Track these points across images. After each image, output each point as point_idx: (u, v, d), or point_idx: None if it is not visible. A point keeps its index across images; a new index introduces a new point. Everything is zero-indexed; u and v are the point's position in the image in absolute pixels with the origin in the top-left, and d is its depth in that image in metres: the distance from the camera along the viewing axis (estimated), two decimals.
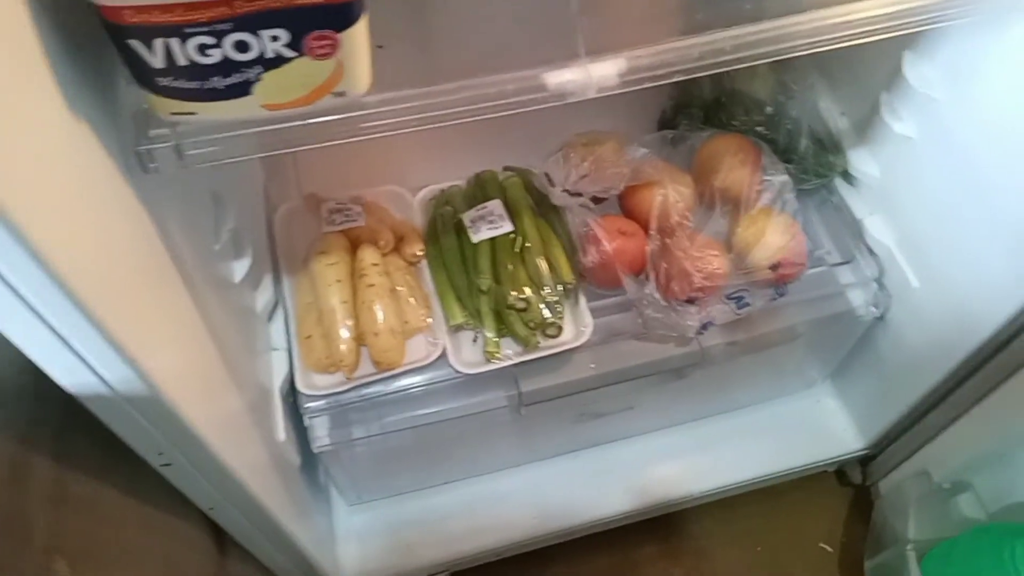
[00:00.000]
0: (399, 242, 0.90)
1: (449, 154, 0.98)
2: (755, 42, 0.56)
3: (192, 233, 0.64)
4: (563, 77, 0.55)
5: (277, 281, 0.89)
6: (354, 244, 0.88)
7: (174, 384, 0.51)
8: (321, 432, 0.86)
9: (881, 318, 0.96)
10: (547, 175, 0.90)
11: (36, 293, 0.40)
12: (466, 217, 0.90)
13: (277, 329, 0.87)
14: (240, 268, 0.77)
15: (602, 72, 0.56)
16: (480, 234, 0.88)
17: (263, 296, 0.85)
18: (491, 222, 0.89)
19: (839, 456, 1.12)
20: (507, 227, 0.89)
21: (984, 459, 0.91)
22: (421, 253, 0.90)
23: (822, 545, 1.16)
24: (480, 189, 0.94)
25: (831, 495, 1.19)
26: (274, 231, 0.92)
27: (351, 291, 0.85)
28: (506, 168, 0.97)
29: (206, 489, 0.63)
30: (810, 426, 1.13)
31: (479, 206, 0.90)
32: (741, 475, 1.11)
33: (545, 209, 0.92)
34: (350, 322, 0.83)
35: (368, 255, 0.86)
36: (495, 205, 0.90)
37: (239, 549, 0.76)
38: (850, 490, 1.19)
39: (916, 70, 0.83)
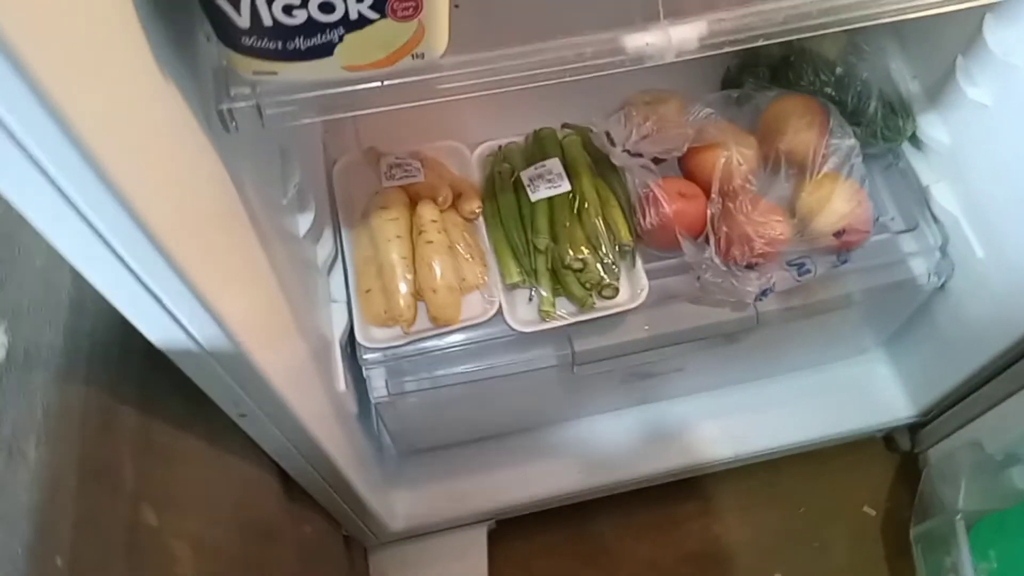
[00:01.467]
0: (457, 198, 0.90)
1: (508, 110, 0.97)
2: (843, 6, 0.55)
3: (263, 188, 0.65)
4: (642, 40, 0.54)
5: (336, 234, 0.90)
6: (413, 199, 0.88)
7: (255, 341, 0.52)
8: (379, 383, 0.88)
9: (942, 287, 0.95)
10: (608, 134, 0.88)
11: (133, 253, 0.41)
12: (524, 175, 0.89)
13: (336, 282, 0.89)
14: (304, 222, 0.78)
15: (682, 35, 0.55)
16: (538, 193, 0.88)
17: (324, 249, 0.87)
18: (550, 181, 0.88)
19: (889, 423, 1.12)
20: (565, 186, 0.88)
21: None
22: (479, 210, 0.90)
23: (866, 509, 1.16)
24: (539, 146, 0.93)
25: (877, 460, 1.20)
26: (333, 184, 0.93)
27: (410, 247, 0.86)
28: (565, 125, 0.96)
29: (277, 438, 0.65)
30: (861, 392, 1.12)
31: (537, 164, 0.90)
32: (787, 439, 1.11)
33: (604, 168, 0.91)
34: (409, 277, 0.84)
35: (427, 211, 0.86)
36: (554, 164, 0.90)
37: (304, 493, 0.79)
38: (897, 456, 1.19)
39: (997, 34, 0.80)
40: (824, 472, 1.17)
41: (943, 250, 0.93)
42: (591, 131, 0.93)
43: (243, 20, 0.45)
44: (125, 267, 0.41)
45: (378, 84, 0.52)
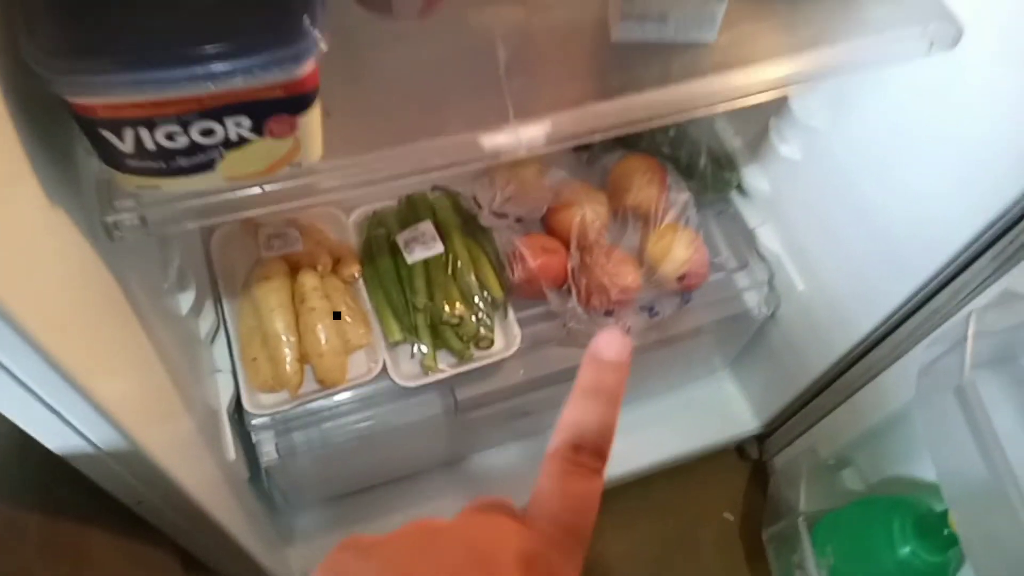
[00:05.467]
0: (336, 264, 0.94)
1: None
2: (662, 105, 0.64)
3: (145, 278, 0.68)
4: (497, 140, 0.62)
5: (217, 304, 0.92)
6: (293, 268, 0.92)
7: (151, 436, 0.55)
8: (268, 447, 0.90)
9: (772, 316, 1.08)
10: (475, 198, 0.96)
11: (26, 369, 0.43)
12: (400, 238, 0.95)
13: (219, 352, 0.91)
14: (186, 300, 0.81)
15: (531, 135, 0.62)
16: (414, 255, 0.94)
17: (206, 322, 0.89)
18: (424, 243, 0.95)
19: (739, 435, 1.25)
20: (439, 248, 0.94)
21: (863, 438, 1.04)
22: (358, 274, 0.95)
23: (726, 515, 1.29)
24: (411, 210, 0.99)
25: (732, 469, 1.33)
26: (211, 255, 0.95)
27: (293, 314, 0.89)
28: (434, 188, 1.02)
29: (174, 520, 0.68)
30: (714, 409, 1.25)
31: (412, 227, 0.96)
32: (656, 456, 1.22)
33: (473, 228, 0.98)
34: (294, 343, 0.88)
35: (308, 280, 0.90)
36: (427, 227, 0.96)
37: (200, 565, 0.81)
38: (748, 464, 1.33)
39: (800, 102, 0.93)
40: (688, 483, 1.29)
41: (770, 284, 1.06)
42: (459, 193, 1.00)
43: (127, 147, 0.49)
44: (18, 382, 0.44)
45: (259, 190, 0.57)
